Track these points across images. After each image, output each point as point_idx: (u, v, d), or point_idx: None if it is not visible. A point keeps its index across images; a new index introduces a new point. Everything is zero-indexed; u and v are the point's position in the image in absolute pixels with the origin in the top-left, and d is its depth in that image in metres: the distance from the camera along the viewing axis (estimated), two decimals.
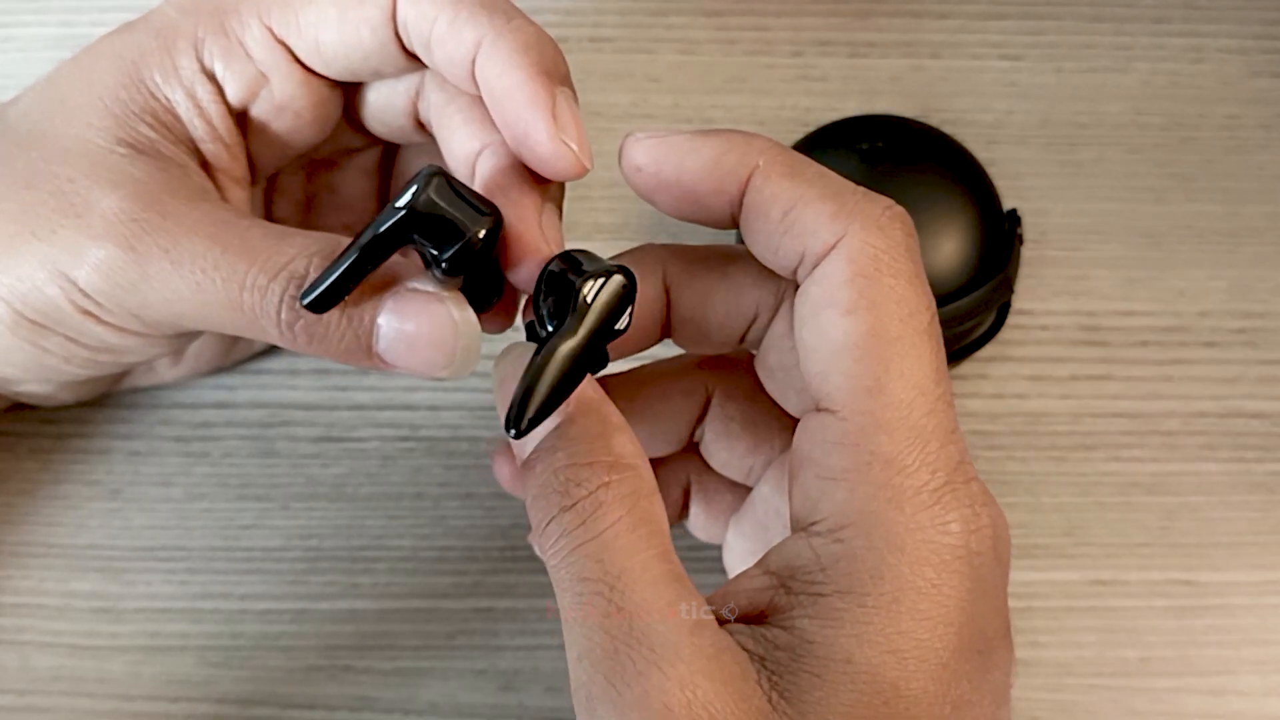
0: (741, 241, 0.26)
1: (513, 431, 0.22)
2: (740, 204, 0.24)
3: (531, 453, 0.24)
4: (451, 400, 0.36)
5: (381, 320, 0.25)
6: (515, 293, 0.27)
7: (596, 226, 0.38)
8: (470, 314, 0.25)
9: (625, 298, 0.23)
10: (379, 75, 0.29)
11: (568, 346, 0.23)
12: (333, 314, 0.25)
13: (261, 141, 0.29)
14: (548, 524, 0.23)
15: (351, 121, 0.31)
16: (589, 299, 0.23)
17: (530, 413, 0.22)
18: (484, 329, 0.26)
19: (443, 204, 0.23)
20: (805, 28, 0.41)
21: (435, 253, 0.24)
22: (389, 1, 0.26)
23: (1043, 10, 0.41)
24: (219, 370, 0.36)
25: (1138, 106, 0.40)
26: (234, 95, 0.28)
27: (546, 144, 0.25)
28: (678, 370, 0.30)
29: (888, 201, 0.24)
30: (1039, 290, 0.37)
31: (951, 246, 0.34)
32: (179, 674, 0.33)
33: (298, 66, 0.28)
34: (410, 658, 0.33)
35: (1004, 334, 0.37)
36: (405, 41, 0.27)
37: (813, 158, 0.25)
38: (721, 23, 0.41)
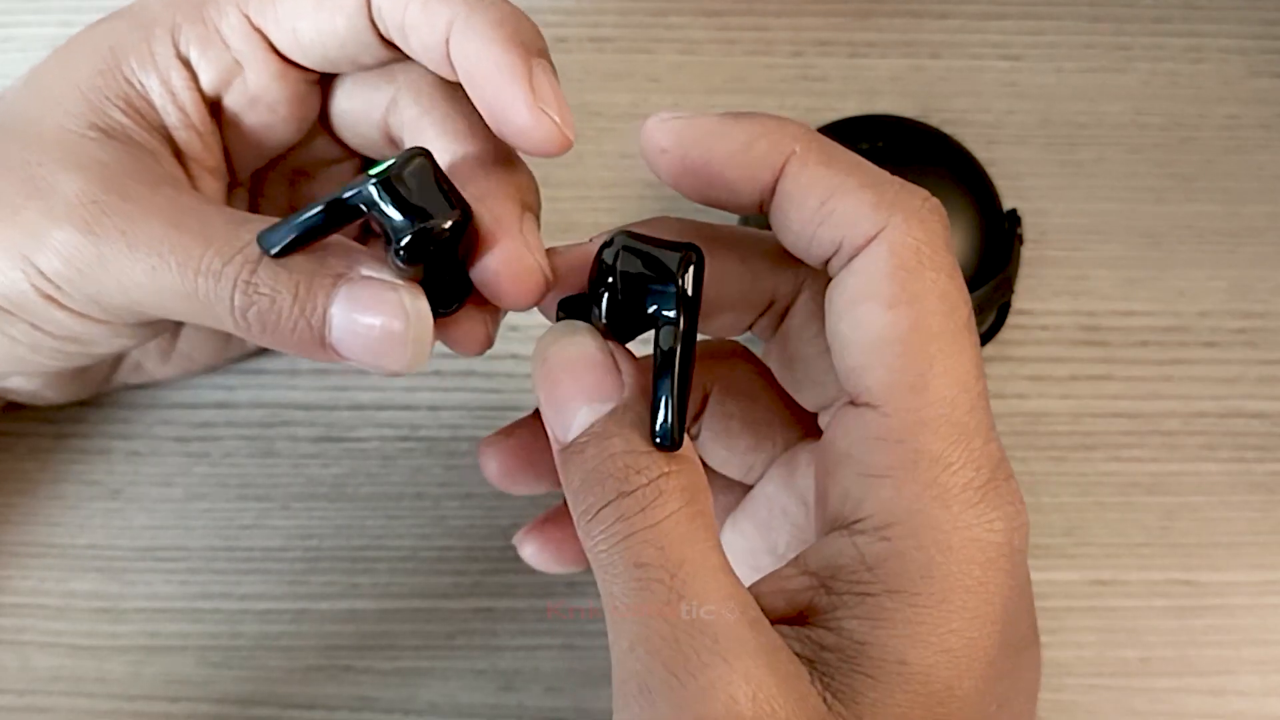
0: (745, 225, 0.25)
1: (668, 444, 0.22)
2: (772, 191, 0.24)
3: (580, 436, 0.23)
4: (451, 400, 0.36)
5: (335, 310, 0.24)
6: (488, 304, 0.26)
7: (596, 226, 0.37)
8: (424, 305, 0.24)
9: (702, 275, 0.23)
10: (357, 65, 0.28)
11: (690, 344, 0.22)
12: (285, 300, 0.24)
13: (236, 135, 0.29)
14: (602, 508, 0.22)
15: (329, 130, 0.31)
16: (689, 290, 0.23)
17: (675, 425, 0.22)
18: (461, 349, 0.26)
19: (414, 185, 0.23)
20: (805, 28, 0.41)
21: (395, 236, 0.23)
22: None
23: (1043, 10, 0.41)
24: (212, 370, 0.35)
25: (1138, 106, 0.40)
26: (208, 83, 0.28)
27: (525, 113, 0.25)
28: None
29: (925, 193, 0.24)
30: (1039, 290, 0.37)
31: (952, 246, 0.34)
32: (179, 674, 0.33)
33: (274, 57, 0.28)
34: (410, 658, 0.33)
35: (1004, 334, 0.37)
36: (381, 29, 0.27)
37: None
38: (721, 23, 0.41)
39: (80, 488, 0.35)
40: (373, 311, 0.24)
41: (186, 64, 0.28)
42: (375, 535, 0.34)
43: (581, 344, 0.24)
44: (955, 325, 0.23)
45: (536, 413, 0.28)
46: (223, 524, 0.34)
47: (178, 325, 0.33)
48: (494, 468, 0.29)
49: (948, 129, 0.37)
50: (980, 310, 0.34)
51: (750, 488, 0.30)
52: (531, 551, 0.30)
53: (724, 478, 0.30)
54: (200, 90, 0.28)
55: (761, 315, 0.27)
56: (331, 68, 0.28)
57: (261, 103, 0.28)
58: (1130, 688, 0.33)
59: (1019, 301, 0.37)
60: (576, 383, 0.23)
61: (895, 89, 0.40)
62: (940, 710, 0.21)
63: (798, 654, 0.22)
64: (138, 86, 0.28)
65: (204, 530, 0.34)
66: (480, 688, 0.33)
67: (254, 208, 0.32)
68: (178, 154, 0.28)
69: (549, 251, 0.26)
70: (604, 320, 0.24)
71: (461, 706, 0.33)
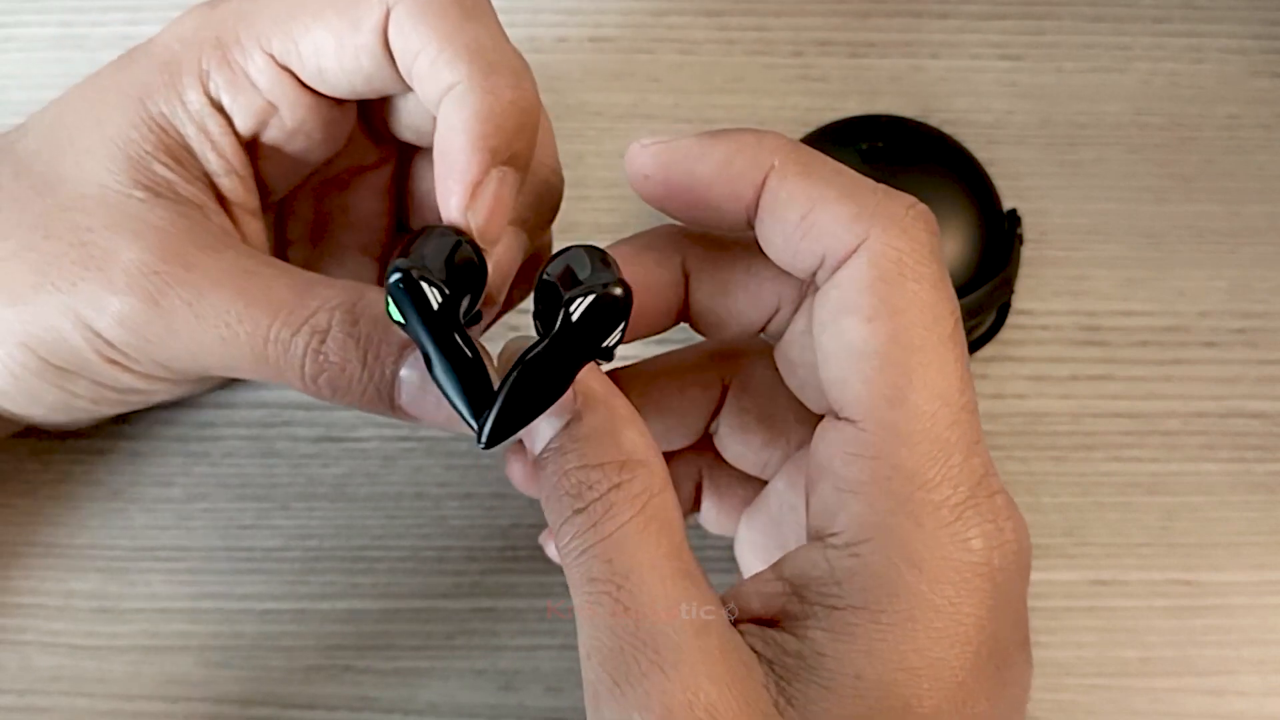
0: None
1: (479, 443, 0.22)
2: (755, 207, 0.24)
3: (542, 452, 0.23)
4: None
5: (404, 374, 0.25)
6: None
7: (597, 226, 0.38)
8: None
9: (613, 317, 0.22)
10: (387, 94, 0.28)
11: (537, 365, 0.22)
12: (354, 367, 0.25)
13: (273, 165, 0.29)
14: (561, 525, 0.23)
15: (371, 133, 0.31)
16: (573, 317, 0.22)
17: (490, 427, 0.22)
18: None
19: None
20: (805, 28, 0.41)
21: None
22: (380, 27, 0.26)
23: (1043, 10, 0.41)
24: (222, 386, 0.35)
25: (1138, 106, 0.40)
26: (243, 126, 0.28)
27: (452, 215, 0.24)
28: (694, 362, 0.29)
29: (910, 199, 0.23)
30: (1039, 290, 0.37)
31: (951, 246, 0.34)
32: (179, 674, 0.33)
33: (305, 91, 0.28)
34: (410, 658, 0.33)
35: (1004, 334, 0.37)
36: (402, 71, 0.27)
37: None
38: (721, 23, 0.41)
39: (81, 488, 0.35)
40: None
41: (220, 108, 0.28)
42: (375, 535, 0.34)
43: None
44: (937, 337, 0.23)
45: None
46: (223, 524, 0.34)
47: None
48: (519, 472, 0.29)
49: (948, 129, 0.37)
50: (980, 310, 0.34)
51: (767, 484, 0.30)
52: (555, 551, 0.30)
53: (742, 473, 0.30)
54: (236, 134, 0.28)
55: (771, 320, 0.27)
56: (361, 96, 0.28)
57: (300, 133, 0.28)
58: (1130, 688, 0.33)
59: (1019, 301, 0.37)
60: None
61: (895, 89, 0.40)
62: None
63: (760, 653, 0.22)
64: (175, 136, 0.27)
65: (204, 530, 0.34)
66: (480, 688, 0.33)
67: (281, 224, 0.32)
68: (221, 200, 0.28)
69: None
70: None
71: (461, 706, 0.33)
